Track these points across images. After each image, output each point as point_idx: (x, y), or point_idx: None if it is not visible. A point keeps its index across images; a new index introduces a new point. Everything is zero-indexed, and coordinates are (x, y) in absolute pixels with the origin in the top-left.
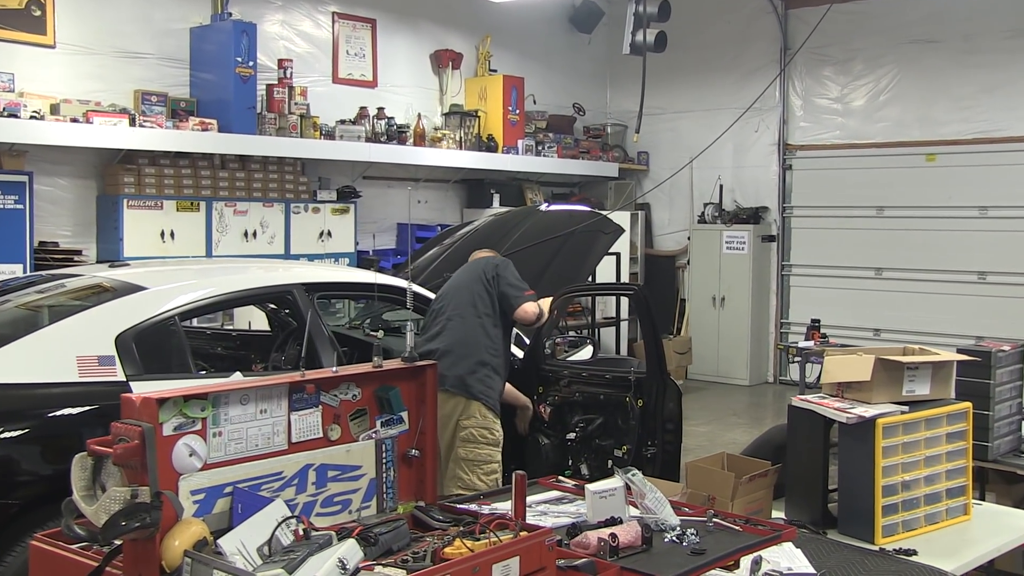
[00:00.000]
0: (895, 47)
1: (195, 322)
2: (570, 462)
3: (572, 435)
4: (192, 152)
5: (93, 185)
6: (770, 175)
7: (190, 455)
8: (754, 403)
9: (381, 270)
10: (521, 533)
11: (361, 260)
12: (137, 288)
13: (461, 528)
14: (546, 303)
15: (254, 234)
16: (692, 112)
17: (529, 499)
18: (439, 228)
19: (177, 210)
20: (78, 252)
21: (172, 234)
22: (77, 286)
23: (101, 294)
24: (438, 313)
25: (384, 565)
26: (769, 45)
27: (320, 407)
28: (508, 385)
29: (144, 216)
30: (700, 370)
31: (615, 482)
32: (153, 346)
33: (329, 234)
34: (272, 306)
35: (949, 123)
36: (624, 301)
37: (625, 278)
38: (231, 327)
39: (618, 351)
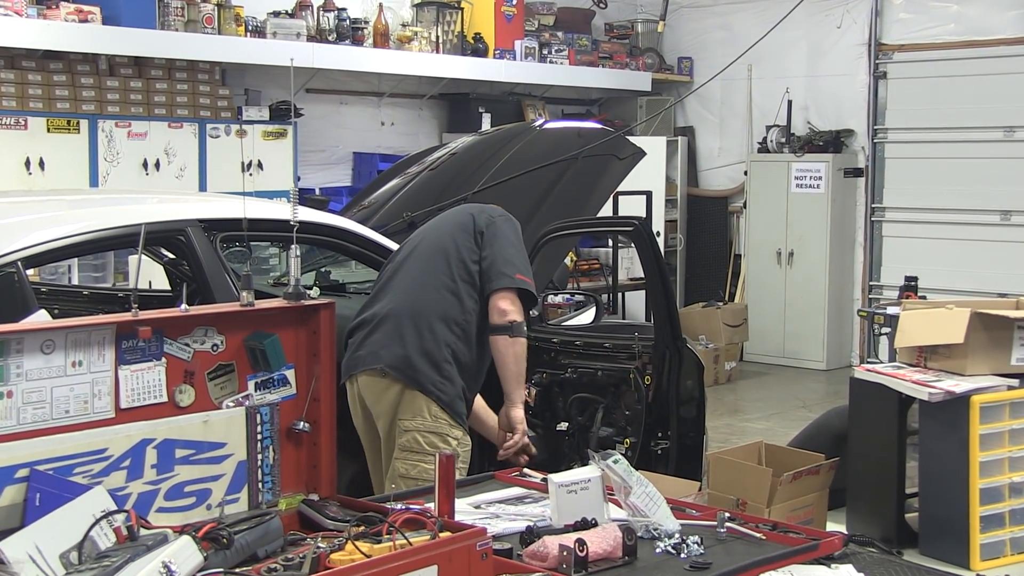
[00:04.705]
0: None
1: (75, 279)
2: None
3: (565, 424)
4: (67, 52)
5: None
6: (857, 87)
7: None
8: (832, 392)
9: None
10: (442, 534)
11: (304, 201)
12: None
13: (362, 528)
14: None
15: (156, 164)
16: (749, 4)
17: (481, 497)
18: None
19: (48, 131)
20: None
21: (41, 163)
22: None
23: None
24: (394, 270)
25: (240, 575)
26: None
27: (164, 360)
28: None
29: (1, 138)
30: (760, 349)
31: (590, 472)
32: None
33: (260, 165)
34: (168, 254)
35: None
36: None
37: (660, 227)
38: (124, 286)
39: (648, 319)
